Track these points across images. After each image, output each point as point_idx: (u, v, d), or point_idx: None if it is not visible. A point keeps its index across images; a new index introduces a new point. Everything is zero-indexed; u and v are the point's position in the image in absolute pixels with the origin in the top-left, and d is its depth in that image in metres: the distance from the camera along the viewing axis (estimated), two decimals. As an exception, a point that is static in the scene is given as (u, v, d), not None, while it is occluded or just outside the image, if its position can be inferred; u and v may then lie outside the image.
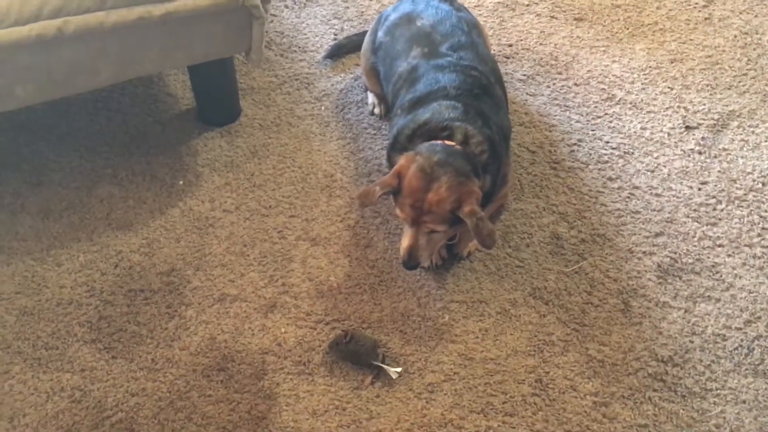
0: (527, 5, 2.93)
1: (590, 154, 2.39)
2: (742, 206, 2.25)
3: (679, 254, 2.13)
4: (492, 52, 2.46)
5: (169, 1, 1.88)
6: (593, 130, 2.47)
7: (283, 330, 1.95)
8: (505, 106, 2.19)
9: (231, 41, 2.11)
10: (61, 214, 2.18)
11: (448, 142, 1.91)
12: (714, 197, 2.28)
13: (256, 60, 2.18)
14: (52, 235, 2.13)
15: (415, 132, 1.96)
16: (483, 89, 2.06)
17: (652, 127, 2.49)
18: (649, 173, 2.34)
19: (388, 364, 1.86)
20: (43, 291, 2.01)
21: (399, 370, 1.86)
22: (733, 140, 2.45)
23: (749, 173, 2.34)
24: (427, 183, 1.82)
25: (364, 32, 2.57)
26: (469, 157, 1.90)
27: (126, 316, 1.97)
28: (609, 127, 2.48)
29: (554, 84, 2.62)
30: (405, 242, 1.90)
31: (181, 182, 2.28)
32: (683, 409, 1.82)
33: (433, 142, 1.91)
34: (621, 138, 2.44)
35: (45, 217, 2.17)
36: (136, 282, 2.03)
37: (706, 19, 2.89)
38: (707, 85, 2.63)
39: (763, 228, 2.19)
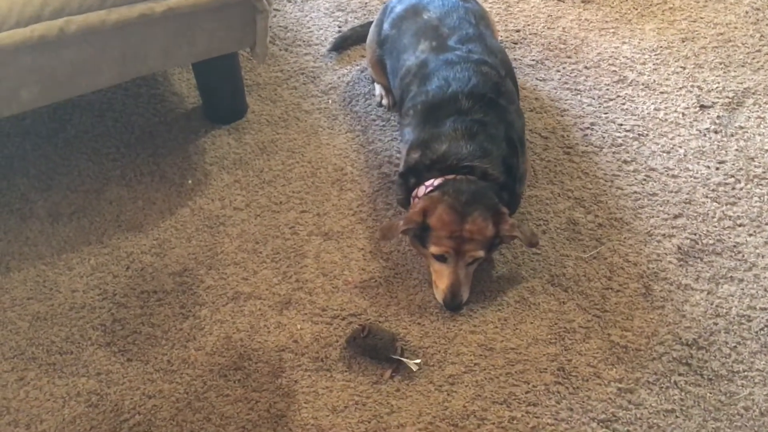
0: (533, -10, 2.88)
1: (604, 138, 2.35)
2: (761, 185, 2.20)
3: (699, 235, 2.08)
4: (500, 39, 2.42)
5: (171, -4, 1.85)
6: (606, 113, 2.42)
7: (299, 326, 1.92)
8: (516, 99, 2.17)
9: (235, 36, 2.08)
10: (70, 218, 2.16)
11: (469, 177, 1.93)
12: (732, 176, 2.23)
13: (260, 55, 2.14)
14: (62, 239, 2.11)
15: (435, 164, 1.97)
16: (495, 90, 2.04)
17: (666, 107, 2.44)
18: (664, 154, 2.30)
19: (407, 357, 1.83)
20: (55, 296, 1.99)
21: (418, 362, 1.83)
22: (749, 118, 2.40)
23: (767, 151, 2.29)
24: (462, 216, 1.86)
25: (369, 23, 2.54)
26: (491, 188, 1.93)
27: (140, 318, 1.94)
28: (622, 110, 2.44)
29: (564, 68, 2.58)
30: (445, 281, 1.90)
31: (190, 181, 2.26)
32: (710, 393, 1.78)
33: (457, 178, 1.93)
34: (635, 120, 2.40)
35: (54, 221, 2.15)
36: (148, 283, 2.01)
37: (716, -4, 2.84)
38: (720, 63, 2.58)
39: (784, 206, 2.15)
